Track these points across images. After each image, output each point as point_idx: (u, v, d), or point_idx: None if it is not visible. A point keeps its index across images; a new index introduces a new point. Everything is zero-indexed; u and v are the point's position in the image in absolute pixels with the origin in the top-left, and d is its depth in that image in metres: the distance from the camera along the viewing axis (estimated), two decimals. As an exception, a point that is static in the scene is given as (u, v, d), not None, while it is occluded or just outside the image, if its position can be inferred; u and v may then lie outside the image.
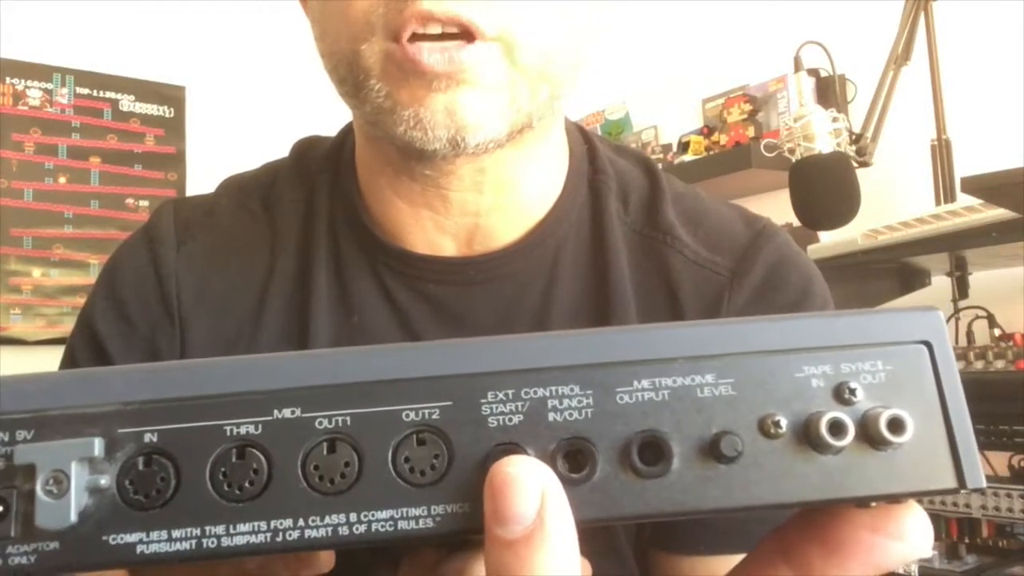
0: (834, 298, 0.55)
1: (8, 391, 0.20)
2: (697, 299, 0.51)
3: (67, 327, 2.04)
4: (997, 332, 1.37)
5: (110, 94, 2.35)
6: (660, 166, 0.59)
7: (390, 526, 0.20)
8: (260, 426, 0.20)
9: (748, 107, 1.94)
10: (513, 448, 0.20)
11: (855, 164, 1.36)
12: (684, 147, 2.04)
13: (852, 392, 0.21)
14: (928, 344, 0.22)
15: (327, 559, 0.28)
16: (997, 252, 1.26)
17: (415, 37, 0.42)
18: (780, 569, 0.24)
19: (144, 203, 2.35)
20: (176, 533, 0.20)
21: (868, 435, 0.21)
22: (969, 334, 1.41)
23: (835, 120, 1.33)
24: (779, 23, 1.91)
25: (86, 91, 2.32)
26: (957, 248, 1.28)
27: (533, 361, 0.21)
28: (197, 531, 0.20)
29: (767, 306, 0.51)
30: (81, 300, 0.58)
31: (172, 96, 2.42)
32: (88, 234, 2.28)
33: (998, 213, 1.11)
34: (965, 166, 1.31)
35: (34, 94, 2.25)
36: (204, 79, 2.43)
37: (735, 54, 2.03)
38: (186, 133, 2.44)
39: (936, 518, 1.28)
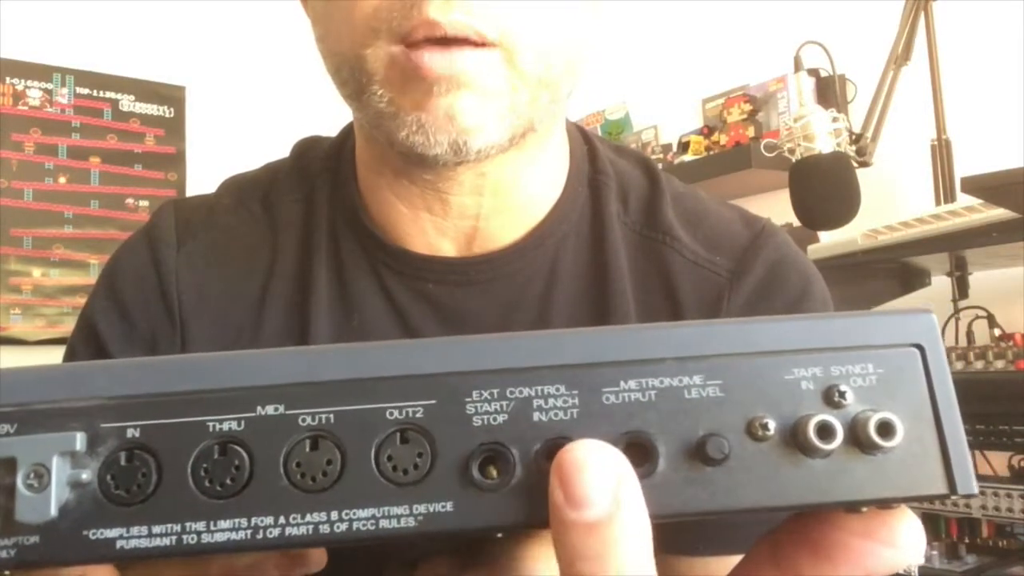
0: (834, 298, 0.55)
1: None
2: (696, 299, 0.51)
3: (67, 327, 2.05)
4: (997, 332, 1.37)
5: (110, 94, 2.35)
6: (660, 166, 0.59)
7: (372, 525, 0.20)
8: (243, 423, 0.20)
9: (748, 107, 1.93)
10: (500, 447, 0.20)
11: (855, 164, 1.36)
12: (684, 147, 2.04)
13: (842, 395, 0.21)
14: (920, 347, 0.21)
15: (318, 557, 0.28)
16: (997, 252, 1.26)
17: (419, 43, 0.42)
18: (770, 574, 0.23)
19: (144, 203, 2.35)
20: (156, 529, 0.20)
21: (857, 439, 0.20)
22: (969, 334, 1.41)
23: (835, 120, 1.33)
24: (779, 23, 1.91)
25: (86, 91, 2.32)
26: (957, 248, 1.28)
27: (519, 360, 0.21)
28: (177, 527, 0.20)
29: (766, 306, 0.51)
30: (81, 300, 0.58)
31: (172, 96, 2.42)
32: (88, 234, 2.28)
33: (998, 213, 1.11)
34: (965, 166, 1.31)
35: (34, 94, 2.25)
36: (204, 79, 2.43)
37: (735, 54, 2.03)
38: (186, 133, 2.44)
39: (936, 518, 1.28)
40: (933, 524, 1.29)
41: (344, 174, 0.55)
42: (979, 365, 1.22)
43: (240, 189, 0.57)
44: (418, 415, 0.20)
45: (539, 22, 0.44)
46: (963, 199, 1.21)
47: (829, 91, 1.70)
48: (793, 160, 1.34)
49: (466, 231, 0.51)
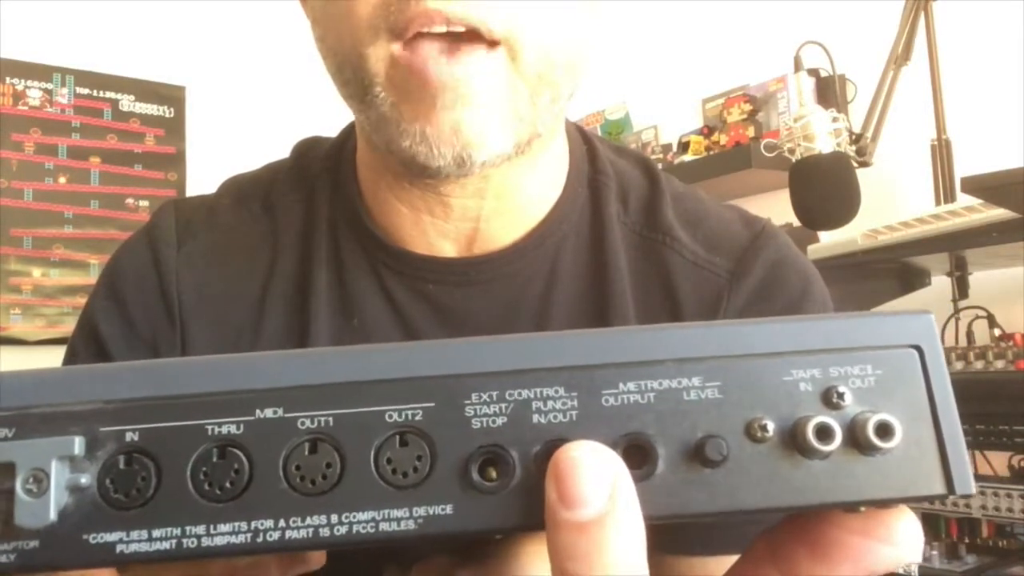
0: (834, 298, 0.55)
1: None
2: (696, 300, 0.51)
3: (67, 327, 2.04)
4: (997, 332, 1.37)
5: (110, 94, 2.35)
6: (660, 166, 0.59)
7: (371, 528, 0.20)
8: (242, 426, 0.20)
9: (748, 107, 1.93)
10: (499, 449, 0.20)
11: (855, 164, 1.36)
12: (684, 147, 2.04)
13: (840, 396, 0.21)
14: (919, 348, 0.21)
15: (318, 556, 0.28)
16: (997, 252, 1.26)
17: (419, 36, 0.41)
18: (768, 572, 0.23)
19: (144, 203, 2.35)
20: (156, 533, 0.20)
21: (856, 440, 0.21)
22: (969, 334, 1.41)
23: (835, 120, 1.33)
24: (779, 23, 1.91)
25: (86, 91, 2.32)
26: (957, 248, 1.28)
27: (517, 362, 0.21)
28: (177, 531, 0.20)
29: (766, 308, 0.51)
30: (81, 300, 0.58)
31: (172, 96, 2.42)
32: (88, 234, 2.28)
33: (998, 213, 1.11)
34: (965, 166, 1.31)
35: (34, 94, 2.25)
36: (204, 79, 2.43)
37: (735, 54, 2.03)
38: (186, 133, 2.44)
39: (936, 518, 1.28)
40: (933, 524, 1.29)
41: (345, 174, 0.55)
42: (979, 365, 1.22)
43: (240, 189, 0.57)
44: (417, 418, 0.20)
45: (543, 19, 0.43)
46: (963, 199, 1.21)
47: (829, 91, 1.70)
48: (793, 160, 1.34)
49: (467, 232, 0.51)
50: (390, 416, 0.20)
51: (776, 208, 1.62)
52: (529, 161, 0.50)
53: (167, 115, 2.42)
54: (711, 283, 0.52)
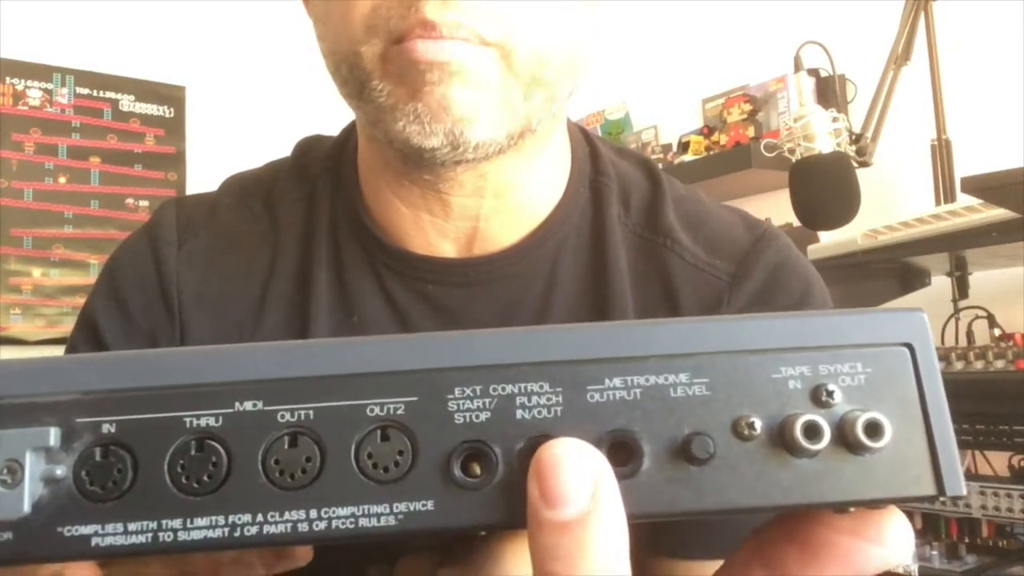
0: (834, 298, 0.55)
1: None
2: (696, 302, 0.51)
3: (67, 327, 2.04)
4: (997, 332, 1.37)
5: (110, 94, 2.35)
6: (661, 167, 0.59)
7: (351, 523, 0.20)
8: (220, 418, 0.20)
9: (748, 107, 1.93)
10: (482, 445, 0.20)
11: (855, 164, 1.36)
12: (684, 147, 2.04)
13: (830, 394, 0.20)
14: (910, 347, 0.21)
15: (304, 552, 0.28)
16: (997, 252, 1.26)
17: (415, 37, 0.42)
18: (756, 572, 0.23)
19: (144, 203, 2.35)
20: (132, 526, 0.19)
21: (845, 439, 0.20)
22: (969, 334, 1.41)
23: (835, 120, 1.33)
24: (779, 23, 1.91)
25: (86, 91, 2.32)
26: (957, 248, 1.28)
27: (502, 357, 0.20)
28: (153, 524, 0.19)
29: (766, 310, 0.51)
30: (81, 300, 0.58)
31: (172, 96, 2.42)
32: (88, 234, 2.28)
33: (998, 213, 1.11)
34: (965, 166, 1.31)
35: (34, 94, 2.25)
36: (204, 79, 2.43)
37: (735, 54, 2.03)
38: (186, 133, 2.44)
39: (936, 518, 1.28)
40: (933, 524, 1.29)
41: (345, 174, 0.55)
42: (979, 365, 1.22)
43: (241, 188, 0.57)
44: (399, 412, 0.20)
45: (538, 23, 0.44)
46: (963, 199, 1.21)
47: (829, 91, 1.70)
48: (793, 160, 1.34)
49: (467, 232, 0.51)
50: (371, 410, 0.20)
51: (776, 208, 1.62)
52: (527, 160, 0.50)
53: (167, 115, 2.42)
54: (712, 286, 0.52)
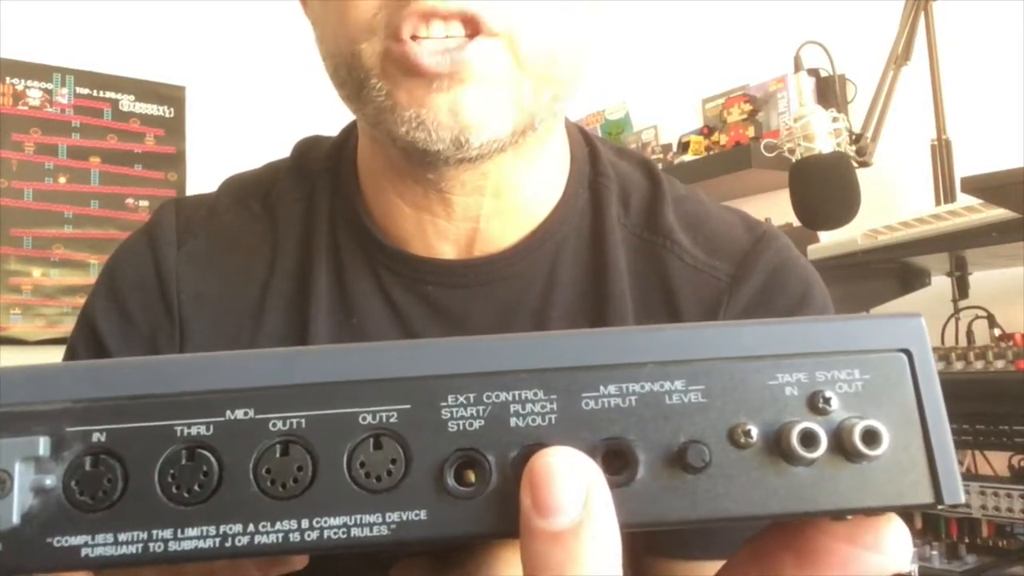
0: (834, 298, 0.55)
1: None
2: (695, 304, 0.51)
3: (67, 327, 2.04)
4: (997, 332, 1.37)
5: (110, 94, 2.35)
6: (660, 167, 0.59)
7: (343, 533, 0.19)
8: (211, 427, 0.20)
9: (748, 107, 1.93)
10: (476, 454, 0.20)
11: (855, 164, 1.36)
12: (684, 147, 2.03)
13: (827, 401, 0.20)
14: (908, 352, 0.21)
15: (299, 558, 0.28)
16: (997, 252, 1.26)
17: (417, 39, 0.41)
18: None
19: (144, 203, 2.35)
20: (122, 536, 0.19)
21: (842, 447, 0.20)
22: (969, 334, 1.41)
23: (835, 120, 1.33)
24: (779, 23, 1.91)
25: (86, 91, 2.32)
26: (957, 248, 1.28)
27: (496, 364, 0.20)
28: (144, 535, 0.19)
29: (766, 311, 0.51)
30: (81, 300, 0.58)
31: (172, 96, 2.42)
32: (88, 234, 2.28)
33: (998, 213, 1.11)
34: (965, 166, 1.31)
35: (34, 94, 2.25)
36: (204, 79, 2.43)
37: (735, 54, 2.03)
38: (186, 133, 2.44)
39: (936, 518, 1.28)
40: (933, 524, 1.29)
41: (345, 174, 0.55)
42: (979, 365, 1.22)
43: (241, 188, 0.57)
44: (392, 420, 0.20)
45: (541, 18, 0.44)
46: (963, 199, 1.20)
47: (829, 91, 1.70)
48: (793, 160, 1.34)
49: (467, 233, 0.51)
50: (364, 418, 0.20)
51: (776, 208, 1.62)
52: (527, 159, 0.50)
53: (167, 115, 2.42)
54: (711, 287, 0.52)
